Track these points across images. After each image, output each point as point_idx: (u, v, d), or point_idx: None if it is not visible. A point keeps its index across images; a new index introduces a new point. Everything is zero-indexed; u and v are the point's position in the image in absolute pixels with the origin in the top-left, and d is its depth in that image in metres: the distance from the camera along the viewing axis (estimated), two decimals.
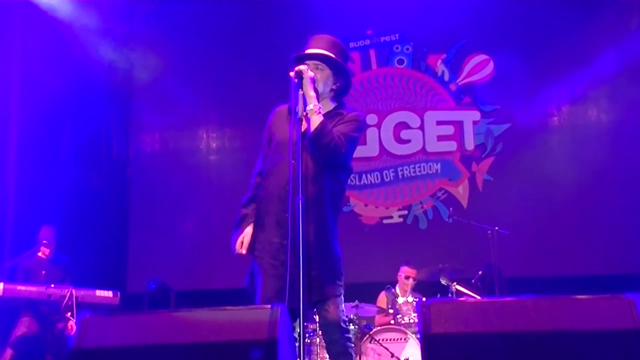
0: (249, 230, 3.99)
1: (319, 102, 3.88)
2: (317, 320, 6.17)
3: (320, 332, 6.42)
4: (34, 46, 8.87)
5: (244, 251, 3.97)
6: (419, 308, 2.91)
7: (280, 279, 3.72)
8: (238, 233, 4.01)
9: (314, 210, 3.80)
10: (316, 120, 3.79)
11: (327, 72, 4.02)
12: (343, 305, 3.95)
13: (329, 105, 4.07)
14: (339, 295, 3.89)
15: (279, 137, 4.01)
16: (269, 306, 2.90)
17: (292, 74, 3.86)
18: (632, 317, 2.69)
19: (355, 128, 4.01)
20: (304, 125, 3.81)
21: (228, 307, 2.90)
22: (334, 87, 4.06)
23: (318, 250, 3.80)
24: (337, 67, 4.02)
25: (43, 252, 7.60)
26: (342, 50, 4.11)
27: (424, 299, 7.13)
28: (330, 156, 3.87)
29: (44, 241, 7.52)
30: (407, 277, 7.81)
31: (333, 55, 4.00)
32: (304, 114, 3.80)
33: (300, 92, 3.84)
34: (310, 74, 3.86)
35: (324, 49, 4.01)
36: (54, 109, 9.00)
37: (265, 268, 3.88)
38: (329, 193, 3.93)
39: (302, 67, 3.88)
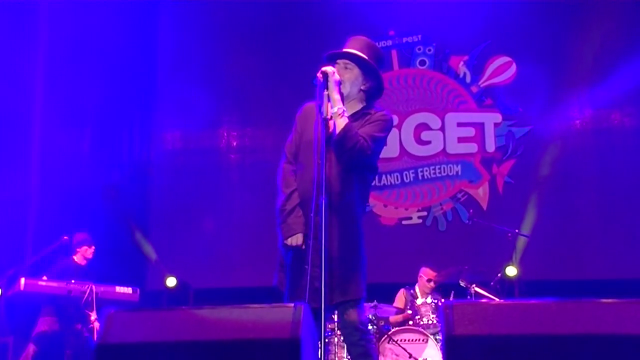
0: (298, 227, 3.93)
1: (344, 104, 3.87)
2: (337, 320, 6.19)
3: (339, 332, 6.43)
4: (58, 45, 8.92)
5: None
6: (442, 309, 2.91)
7: (305, 278, 3.72)
8: (286, 229, 3.93)
9: (340, 211, 3.80)
10: (341, 124, 3.79)
11: (356, 72, 4.00)
12: (364, 307, 3.94)
13: (357, 106, 4.06)
14: (361, 298, 3.88)
15: (306, 136, 4.01)
16: (292, 305, 2.90)
17: (318, 74, 3.86)
18: None
19: (382, 128, 4.00)
20: (331, 127, 3.81)
21: (251, 305, 2.90)
22: (362, 87, 4.05)
23: (343, 251, 3.80)
24: (367, 68, 4.01)
25: (83, 256, 7.61)
26: (376, 52, 4.09)
27: (442, 300, 7.18)
28: (355, 159, 3.86)
29: (83, 246, 7.55)
30: (429, 280, 7.74)
31: (364, 56, 3.99)
32: (329, 117, 3.80)
33: (326, 93, 3.84)
34: (337, 77, 3.85)
35: (356, 49, 4.01)
36: (77, 108, 9.06)
37: (292, 267, 3.88)
38: (356, 194, 3.92)
39: (328, 68, 3.87)
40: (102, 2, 8.95)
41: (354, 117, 3.95)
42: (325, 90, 3.83)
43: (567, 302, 2.81)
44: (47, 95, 8.89)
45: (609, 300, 2.80)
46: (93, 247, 7.68)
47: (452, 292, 7.56)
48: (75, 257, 7.65)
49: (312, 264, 3.65)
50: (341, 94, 3.89)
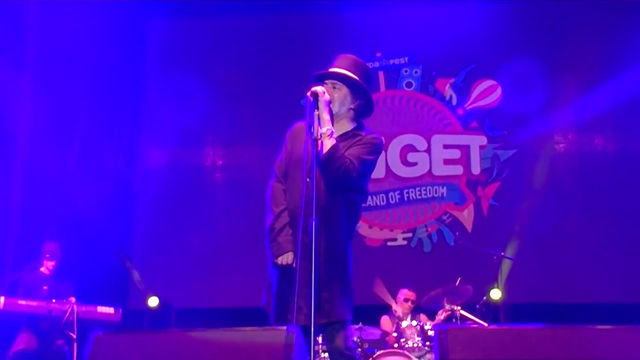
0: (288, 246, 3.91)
1: (333, 124, 3.86)
2: (321, 342, 6.13)
3: (324, 355, 6.37)
4: (47, 53, 8.86)
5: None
6: (436, 334, 2.88)
7: (292, 299, 3.68)
8: (276, 248, 3.92)
9: (327, 232, 3.77)
10: (327, 144, 3.77)
11: (345, 91, 4.00)
12: (351, 330, 3.91)
13: (347, 126, 4.05)
14: (347, 320, 3.85)
15: (296, 155, 3.99)
16: (285, 328, 2.86)
17: (308, 93, 3.85)
18: None
19: (371, 151, 3.99)
20: (319, 147, 3.79)
21: (243, 328, 2.87)
22: (352, 106, 4.04)
23: (329, 273, 3.77)
24: (355, 87, 4.00)
25: (46, 267, 7.56)
26: (364, 70, 4.09)
27: (428, 323, 7.15)
28: (340, 180, 3.84)
29: (47, 255, 7.47)
30: (407, 300, 7.76)
31: (352, 75, 3.98)
32: (318, 136, 3.78)
33: (316, 112, 3.82)
34: (326, 97, 3.85)
35: (344, 68, 4.00)
36: (63, 124, 8.97)
37: (278, 286, 3.85)
38: (343, 215, 3.91)
39: (318, 88, 3.87)
40: (90, 16, 8.89)
41: (344, 137, 3.94)
42: (316, 110, 3.82)
43: (561, 328, 2.80)
44: (34, 107, 8.80)
45: (603, 327, 2.79)
46: (54, 262, 7.57)
47: (437, 314, 7.52)
48: (42, 268, 7.57)
49: (299, 284, 3.61)
50: (331, 114, 3.88)
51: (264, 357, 2.76)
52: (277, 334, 2.85)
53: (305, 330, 3.29)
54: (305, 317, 3.44)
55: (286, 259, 3.86)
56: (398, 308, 7.59)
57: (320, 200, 3.75)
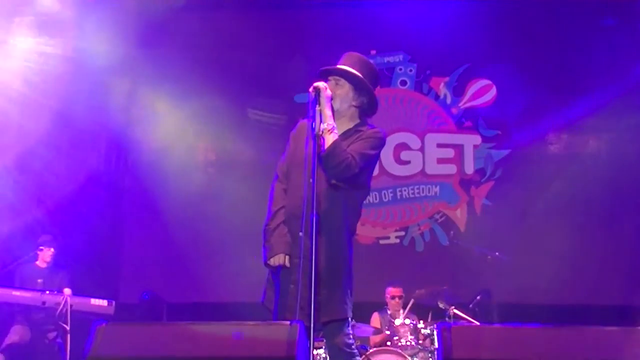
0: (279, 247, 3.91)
1: (334, 120, 3.85)
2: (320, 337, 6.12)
3: (324, 352, 6.35)
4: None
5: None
6: (440, 332, 2.88)
7: (293, 298, 3.68)
8: (269, 249, 3.92)
9: (328, 230, 3.76)
10: (329, 140, 3.76)
11: (347, 88, 3.99)
12: (350, 327, 3.91)
13: (349, 123, 4.04)
14: (346, 318, 3.85)
15: (298, 153, 3.98)
16: (288, 323, 2.86)
17: (310, 89, 3.84)
18: None
19: (373, 145, 3.98)
20: (321, 142, 3.79)
21: (247, 322, 2.86)
22: (354, 103, 4.03)
23: (329, 271, 3.76)
24: (358, 84, 3.99)
25: (42, 259, 7.53)
26: (369, 68, 4.09)
27: (421, 322, 7.17)
28: (342, 176, 3.84)
29: (41, 247, 7.45)
30: (393, 297, 7.80)
31: (354, 71, 3.97)
32: (320, 132, 3.77)
33: (318, 108, 3.81)
34: (328, 92, 3.84)
35: (349, 65, 4.00)
36: (53, 116, 8.90)
37: (280, 285, 3.84)
38: (344, 212, 3.90)
39: (320, 84, 3.86)
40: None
41: (346, 134, 3.93)
42: (318, 105, 3.81)
43: (566, 327, 2.80)
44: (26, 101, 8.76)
45: (609, 328, 2.80)
46: (52, 250, 7.56)
47: (430, 313, 7.55)
48: (37, 262, 7.55)
49: (300, 283, 3.61)
50: (332, 109, 3.87)
51: (268, 351, 2.75)
52: (280, 329, 2.85)
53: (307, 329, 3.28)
54: (306, 316, 3.44)
55: (277, 260, 3.86)
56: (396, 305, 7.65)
57: (322, 197, 3.74)
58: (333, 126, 3.81)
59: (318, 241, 3.57)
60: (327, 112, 3.81)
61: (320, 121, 3.79)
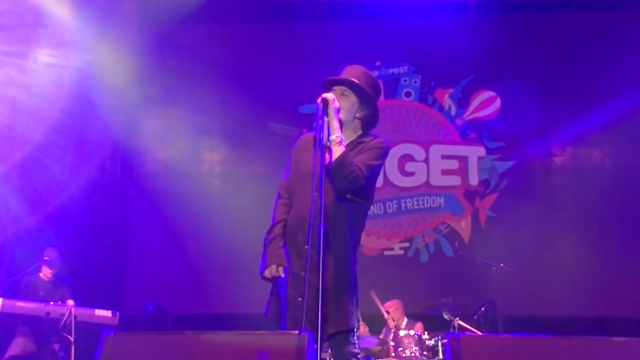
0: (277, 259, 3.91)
1: (342, 132, 3.86)
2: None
3: None
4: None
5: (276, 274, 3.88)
6: (449, 341, 2.87)
7: (300, 310, 3.67)
8: (264, 261, 3.93)
9: (334, 242, 3.76)
10: (337, 152, 3.76)
11: (353, 99, 4.00)
12: (356, 338, 3.90)
13: (352, 135, 4.04)
14: (353, 329, 3.84)
15: (303, 167, 3.98)
16: (297, 332, 2.86)
17: (318, 100, 3.84)
18: None
19: (377, 155, 3.98)
20: (327, 156, 3.78)
21: (256, 332, 2.86)
22: (358, 115, 4.04)
23: (337, 282, 3.76)
24: (364, 96, 4.00)
25: (44, 273, 7.53)
26: (372, 81, 4.11)
27: (426, 333, 7.15)
28: (349, 187, 3.84)
29: (45, 258, 7.45)
30: (387, 312, 7.76)
31: (361, 84, 3.98)
32: (327, 144, 3.77)
33: (326, 119, 3.81)
34: (336, 104, 3.84)
35: (353, 77, 4.01)
36: (59, 127, 8.92)
37: (286, 299, 3.83)
38: (350, 224, 3.90)
39: (328, 95, 3.86)
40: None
41: (350, 146, 3.93)
42: (326, 117, 3.81)
43: (576, 338, 2.79)
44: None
45: (618, 339, 2.79)
46: (53, 269, 7.57)
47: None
48: (40, 274, 7.57)
49: (307, 296, 3.60)
50: (340, 121, 3.88)
51: None
52: (289, 339, 2.84)
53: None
54: (314, 328, 3.43)
55: (269, 272, 3.87)
56: (390, 320, 7.63)
57: (328, 209, 3.74)
58: (342, 138, 3.81)
59: (325, 253, 3.57)
60: (335, 124, 3.81)
61: (329, 133, 3.79)
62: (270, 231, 3.98)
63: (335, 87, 4.02)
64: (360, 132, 4.09)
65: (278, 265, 3.85)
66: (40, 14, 8.60)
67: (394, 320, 7.65)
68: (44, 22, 8.72)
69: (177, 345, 2.78)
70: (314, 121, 3.98)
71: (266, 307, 4.01)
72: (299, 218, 3.88)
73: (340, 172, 3.77)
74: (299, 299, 3.70)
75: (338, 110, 3.86)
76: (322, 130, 3.80)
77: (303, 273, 3.70)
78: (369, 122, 4.12)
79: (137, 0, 9.23)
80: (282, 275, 3.85)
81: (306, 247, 3.75)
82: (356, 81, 3.99)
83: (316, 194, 3.63)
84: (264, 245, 3.96)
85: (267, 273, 3.88)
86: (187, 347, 2.77)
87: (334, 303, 3.71)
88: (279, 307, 3.89)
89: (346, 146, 3.89)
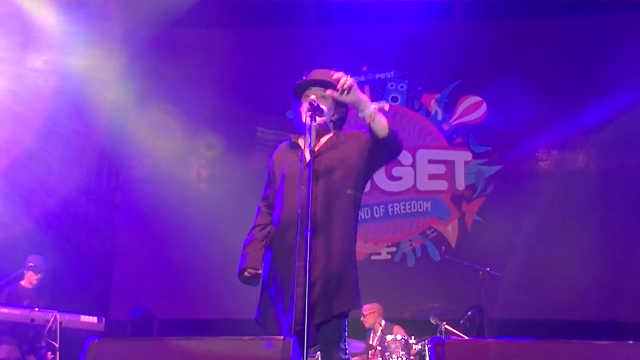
0: (253, 262, 3.90)
1: (318, 135, 3.86)
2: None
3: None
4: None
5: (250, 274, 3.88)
6: (433, 346, 2.88)
7: (300, 298, 3.63)
8: (243, 261, 3.91)
9: (327, 240, 3.75)
10: (383, 120, 3.76)
11: (330, 101, 3.96)
12: (346, 343, 3.88)
13: (327, 135, 4.01)
14: (343, 320, 3.83)
15: (285, 169, 3.95)
16: (282, 338, 2.85)
17: (307, 105, 3.80)
18: None
19: None
20: (308, 157, 3.76)
21: (241, 337, 2.85)
22: (333, 118, 4.01)
23: (342, 267, 3.77)
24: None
25: (29, 280, 7.48)
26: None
27: (412, 337, 7.16)
28: (398, 154, 4.02)
29: (30, 264, 7.40)
30: (364, 315, 7.80)
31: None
32: (315, 148, 3.76)
33: (314, 124, 3.77)
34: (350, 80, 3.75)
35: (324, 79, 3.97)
36: (44, 131, 8.88)
37: (275, 301, 3.81)
38: (342, 219, 3.87)
39: (313, 97, 3.85)
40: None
41: (330, 146, 3.92)
42: (314, 121, 3.78)
43: (561, 342, 2.80)
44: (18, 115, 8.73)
45: (603, 342, 2.80)
46: (39, 275, 7.52)
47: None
48: (22, 282, 7.51)
49: (297, 285, 3.58)
50: (318, 125, 3.84)
51: None
52: (274, 344, 2.83)
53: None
54: (316, 313, 3.49)
55: (243, 275, 3.86)
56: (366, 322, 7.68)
57: (322, 208, 3.74)
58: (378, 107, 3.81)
59: (330, 239, 3.69)
60: (363, 97, 3.77)
61: (359, 109, 3.74)
62: (249, 233, 3.98)
63: (313, 88, 3.98)
64: (331, 134, 4.05)
65: (253, 269, 3.84)
66: (26, 18, 8.55)
67: (366, 324, 7.71)
68: (31, 26, 8.67)
69: (162, 352, 2.76)
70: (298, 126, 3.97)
71: (256, 311, 3.98)
72: (288, 219, 3.82)
73: (395, 138, 3.84)
74: (299, 289, 3.61)
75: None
76: (311, 133, 3.77)
77: (299, 263, 3.68)
78: (340, 126, 4.10)
79: (124, 5, 9.20)
80: (253, 276, 3.84)
81: (295, 246, 3.70)
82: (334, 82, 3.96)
83: (303, 187, 3.61)
84: (243, 246, 3.96)
85: (242, 275, 3.86)
86: (172, 354, 2.75)
87: (343, 287, 3.74)
88: (269, 311, 3.86)
89: (329, 144, 3.90)
